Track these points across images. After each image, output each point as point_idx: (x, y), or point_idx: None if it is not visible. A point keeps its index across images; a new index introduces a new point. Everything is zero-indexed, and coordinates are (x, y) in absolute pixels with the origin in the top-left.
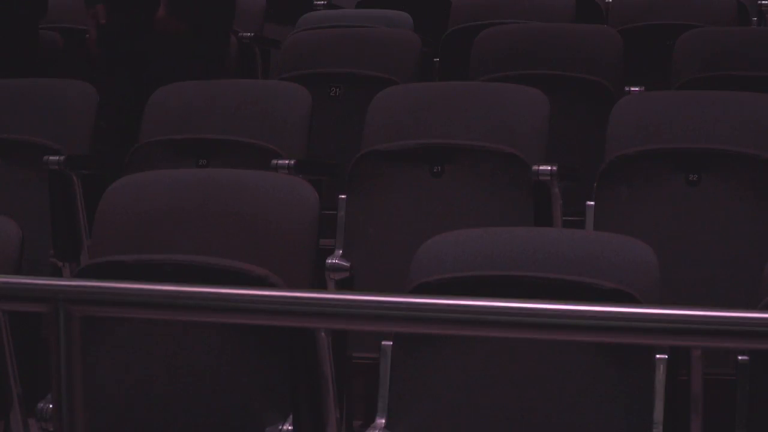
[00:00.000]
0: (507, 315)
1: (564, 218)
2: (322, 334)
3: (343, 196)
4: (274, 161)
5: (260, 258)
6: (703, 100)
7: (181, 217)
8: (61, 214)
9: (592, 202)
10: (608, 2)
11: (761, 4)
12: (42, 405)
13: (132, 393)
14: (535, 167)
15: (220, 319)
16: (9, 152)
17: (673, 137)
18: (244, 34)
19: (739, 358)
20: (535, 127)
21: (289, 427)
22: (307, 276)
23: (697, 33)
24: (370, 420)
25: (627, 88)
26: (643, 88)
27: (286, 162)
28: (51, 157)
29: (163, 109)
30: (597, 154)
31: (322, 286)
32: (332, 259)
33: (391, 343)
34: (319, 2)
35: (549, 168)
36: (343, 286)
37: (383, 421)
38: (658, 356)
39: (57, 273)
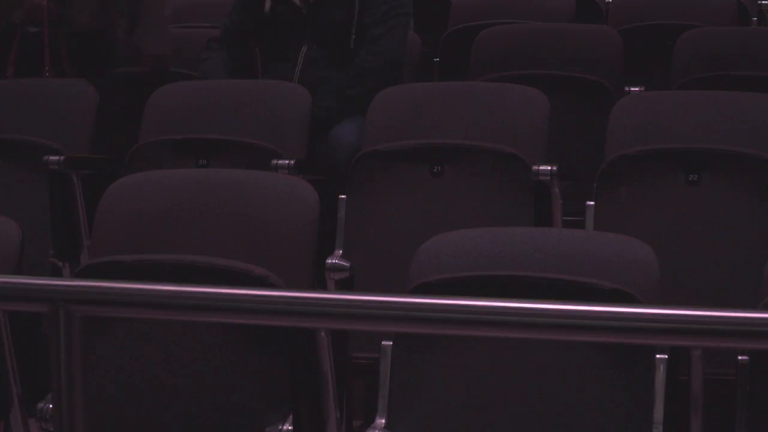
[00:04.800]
0: (507, 315)
1: (564, 218)
2: (322, 334)
3: (343, 196)
4: (274, 161)
5: (260, 258)
6: (703, 100)
7: (181, 217)
8: (61, 214)
9: (592, 202)
10: (608, 2)
11: (761, 4)
12: (42, 405)
13: (132, 393)
14: (535, 167)
15: (220, 319)
16: (9, 152)
17: (673, 137)
18: None
19: (739, 358)
20: (535, 127)
21: (289, 427)
22: (307, 276)
23: (697, 33)
24: (370, 420)
25: (627, 88)
26: (643, 88)
27: (286, 162)
28: (51, 157)
29: (163, 109)
30: (597, 154)
31: (322, 286)
32: (332, 259)
33: (391, 343)
34: None
35: (549, 168)
36: (343, 286)
37: (383, 421)
38: (658, 356)
39: (57, 273)
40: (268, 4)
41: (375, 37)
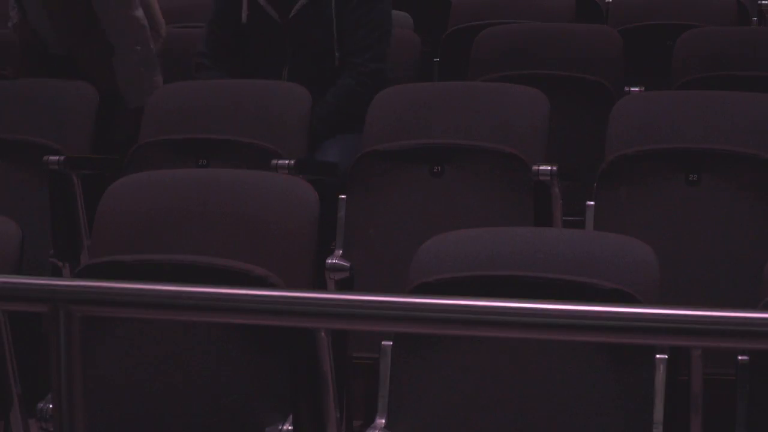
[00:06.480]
0: (507, 315)
1: (564, 218)
2: (322, 334)
3: (343, 196)
4: (274, 161)
5: (260, 258)
6: (703, 100)
7: (181, 217)
8: (61, 214)
9: (592, 202)
10: (608, 2)
11: (761, 4)
12: (42, 405)
13: (132, 393)
14: (535, 167)
15: (220, 319)
16: (9, 152)
17: (673, 137)
18: None
19: (739, 358)
20: (535, 127)
21: (289, 427)
22: (307, 276)
23: (697, 33)
24: (370, 420)
25: (627, 88)
26: (643, 88)
27: (286, 162)
28: (51, 157)
29: (163, 109)
30: (597, 154)
31: (322, 286)
32: (332, 259)
33: (391, 343)
34: None
35: (549, 168)
36: (343, 286)
37: (383, 421)
38: (658, 356)
39: (57, 273)
40: (245, 14)
41: (359, 64)
